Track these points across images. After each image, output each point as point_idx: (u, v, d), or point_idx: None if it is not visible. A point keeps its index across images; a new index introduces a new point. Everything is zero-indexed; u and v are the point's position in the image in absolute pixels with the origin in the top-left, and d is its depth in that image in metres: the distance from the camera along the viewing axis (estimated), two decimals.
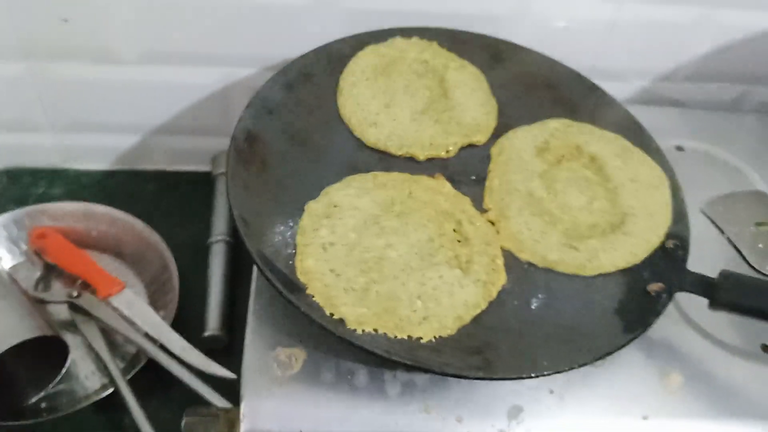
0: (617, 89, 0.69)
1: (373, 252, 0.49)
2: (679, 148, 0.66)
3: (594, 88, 0.63)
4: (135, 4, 0.61)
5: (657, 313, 0.49)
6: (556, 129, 0.59)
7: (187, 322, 0.60)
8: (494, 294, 0.49)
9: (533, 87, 0.63)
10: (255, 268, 0.52)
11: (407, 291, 0.47)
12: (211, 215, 0.69)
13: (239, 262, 0.67)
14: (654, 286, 0.51)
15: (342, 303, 0.46)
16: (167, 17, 0.62)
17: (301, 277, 0.47)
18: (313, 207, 0.51)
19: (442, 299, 0.47)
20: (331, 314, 0.46)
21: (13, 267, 0.64)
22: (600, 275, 0.52)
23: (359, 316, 0.45)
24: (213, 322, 0.61)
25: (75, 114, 0.69)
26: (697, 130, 0.69)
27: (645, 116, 0.63)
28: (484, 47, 0.64)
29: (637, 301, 0.50)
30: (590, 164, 0.57)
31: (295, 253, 0.49)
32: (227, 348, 0.61)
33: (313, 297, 0.46)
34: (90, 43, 0.63)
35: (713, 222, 0.61)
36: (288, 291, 0.46)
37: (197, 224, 0.70)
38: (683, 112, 0.72)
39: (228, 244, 0.67)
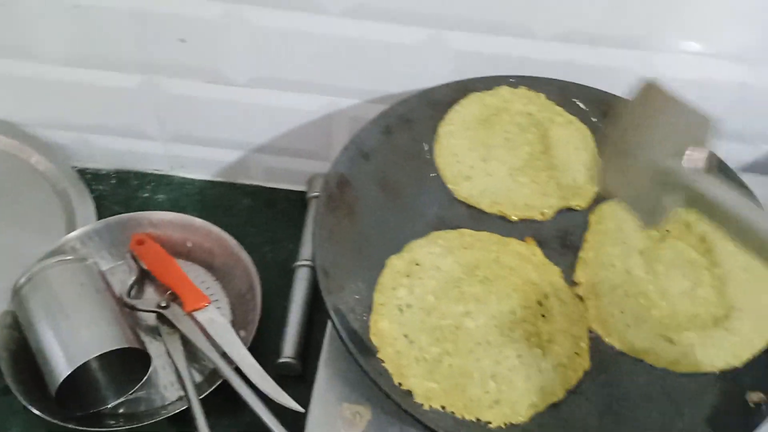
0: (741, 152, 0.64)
1: (449, 319, 0.48)
2: None
3: None
4: (247, 31, 0.62)
5: (755, 426, 0.45)
6: None
7: (264, 344, 0.61)
8: (574, 382, 0.47)
9: None
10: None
11: (481, 368, 0.46)
12: (301, 238, 0.70)
13: None
14: (755, 396, 0.47)
15: (412, 374, 0.45)
16: (276, 46, 0.63)
17: (374, 339, 0.47)
18: (394, 263, 0.51)
19: (518, 382, 0.45)
20: (400, 384, 0.45)
21: (111, 269, 0.68)
22: (694, 374, 0.48)
23: (428, 390, 0.44)
24: (288, 350, 0.62)
25: (185, 127, 0.72)
26: None
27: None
28: (596, 103, 0.60)
29: (733, 411, 0.46)
30: (698, 245, 0.53)
31: (371, 311, 0.48)
32: (300, 376, 0.62)
33: (383, 362, 0.46)
34: (204, 64, 0.66)
35: None
36: (358, 352, 0.45)
37: (287, 244, 0.71)
38: None
39: (313, 270, 0.67)
